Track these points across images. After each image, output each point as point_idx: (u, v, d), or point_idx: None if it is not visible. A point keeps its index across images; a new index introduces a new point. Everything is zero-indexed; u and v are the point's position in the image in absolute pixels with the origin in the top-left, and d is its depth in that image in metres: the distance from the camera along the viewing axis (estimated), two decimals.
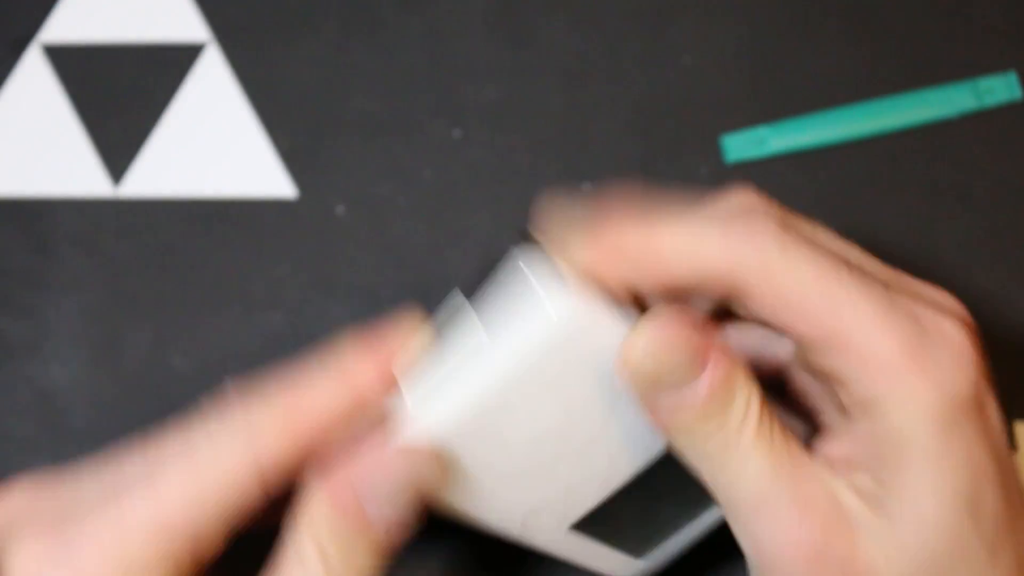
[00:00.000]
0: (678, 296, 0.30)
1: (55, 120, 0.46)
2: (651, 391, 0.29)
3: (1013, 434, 0.43)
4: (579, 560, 0.34)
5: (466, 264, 0.44)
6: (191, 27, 0.46)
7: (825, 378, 0.30)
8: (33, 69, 0.46)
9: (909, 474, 0.28)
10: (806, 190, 0.45)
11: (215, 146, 0.46)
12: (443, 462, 0.29)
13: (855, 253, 0.31)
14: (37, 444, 0.43)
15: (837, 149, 0.45)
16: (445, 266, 0.44)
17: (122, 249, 0.45)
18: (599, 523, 0.33)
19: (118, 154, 0.46)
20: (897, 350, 0.28)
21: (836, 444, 0.30)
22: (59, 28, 0.47)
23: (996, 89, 0.45)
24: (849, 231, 0.44)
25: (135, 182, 0.45)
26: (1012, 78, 0.45)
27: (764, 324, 0.30)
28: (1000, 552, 0.29)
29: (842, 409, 0.30)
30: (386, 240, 0.44)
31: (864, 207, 0.45)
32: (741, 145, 0.45)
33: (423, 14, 0.46)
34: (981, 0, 0.46)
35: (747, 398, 0.29)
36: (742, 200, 0.32)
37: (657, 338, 0.28)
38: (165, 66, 0.46)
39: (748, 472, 0.29)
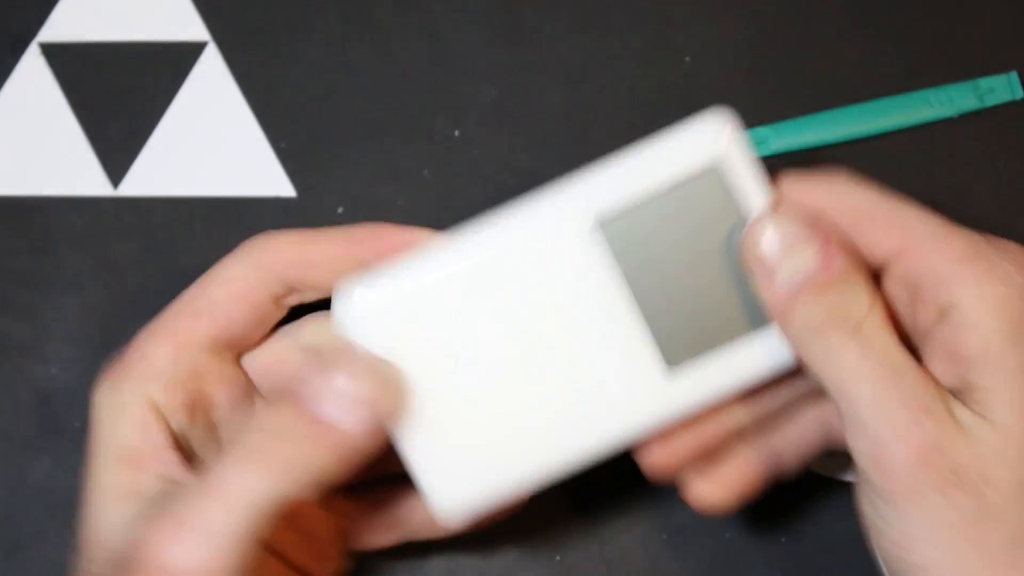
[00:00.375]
0: None
1: (54, 120, 0.46)
2: (773, 273, 0.31)
3: None
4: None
5: None
6: (190, 27, 0.46)
7: (904, 314, 0.32)
8: (32, 69, 0.46)
9: (995, 367, 0.30)
10: None
11: (214, 146, 0.46)
12: (388, 375, 0.32)
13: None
14: (37, 444, 0.43)
15: (837, 149, 0.45)
16: None
17: (122, 249, 0.45)
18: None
19: (117, 154, 0.46)
20: (963, 253, 0.31)
21: (932, 365, 0.31)
22: (58, 28, 0.47)
23: (996, 89, 0.45)
24: None
25: (134, 182, 0.45)
26: (1012, 78, 0.45)
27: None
28: None
29: (930, 335, 0.32)
30: None
31: None
32: None
33: (423, 14, 0.46)
34: (981, 0, 0.46)
35: (869, 295, 0.31)
36: None
37: (786, 222, 0.32)
38: (164, 66, 0.46)
39: (866, 370, 0.30)
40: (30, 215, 0.45)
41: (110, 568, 0.31)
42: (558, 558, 0.42)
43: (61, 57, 0.46)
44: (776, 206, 0.32)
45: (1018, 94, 0.45)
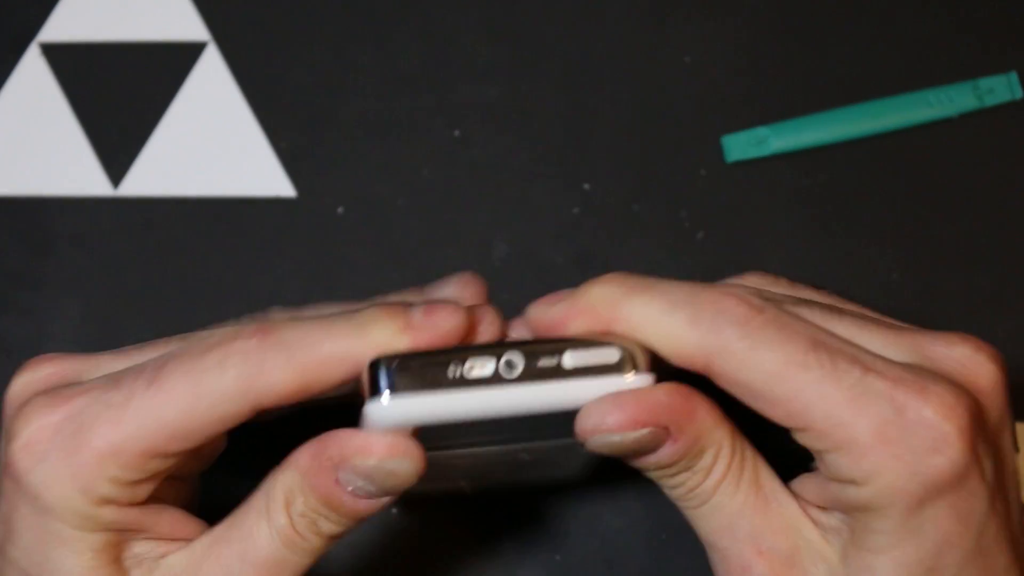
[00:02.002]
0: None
1: (54, 120, 0.46)
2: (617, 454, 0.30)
3: (1014, 434, 0.43)
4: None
5: (465, 264, 0.44)
6: (191, 27, 0.46)
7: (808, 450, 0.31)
8: (32, 68, 0.46)
9: (874, 540, 0.29)
10: (806, 190, 0.45)
11: (215, 146, 0.45)
12: (418, 455, 0.29)
13: (845, 323, 0.31)
14: None
15: (837, 149, 0.45)
16: (445, 266, 0.43)
17: (122, 249, 0.45)
18: None
19: (117, 154, 0.45)
20: (868, 437, 0.29)
21: (817, 485, 0.31)
22: (58, 27, 0.47)
23: (996, 89, 0.45)
24: (849, 231, 0.45)
25: (134, 182, 0.45)
26: (1012, 78, 0.45)
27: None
28: None
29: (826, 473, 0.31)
30: (386, 240, 0.44)
31: (864, 207, 0.45)
32: (741, 145, 0.45)
33: (423, 14, 0.46)
34: (981, 0, 0.46)
35: (715, 453, 0.30)
36: (742, 280, 0.34)
37: (606, 417, 0.29)
38: (164, 66, 0.46)
39: (714, 515, 0.30)
40: (30, 215, 0.45)
41: None
42: (558, 558, 0.42)
43: (61, 57, 0.46)
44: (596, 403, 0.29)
45: (1018, 94, 0.45)
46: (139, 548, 0.31)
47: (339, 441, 0.29)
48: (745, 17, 0.46)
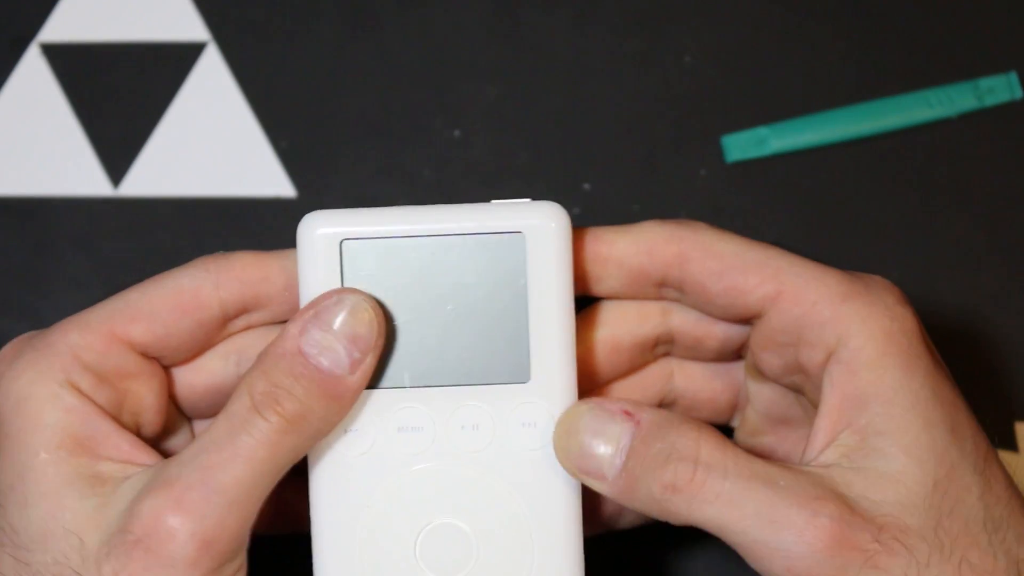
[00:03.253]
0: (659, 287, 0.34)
1: (54, 120, 0.46)
2: (600, 470, 0.31)
3: (1014, 434, 0.43)
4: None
5: None
6: (191, 27, 0.46)
7: (786, 352, 0.32)
8: (32, 69, 0.46)
9: (890, 405, 0.30)
10: (806, 190, 0.45)
11: (215, 146, 0.46)
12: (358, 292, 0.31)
13: None
14: None
15: (837, 149, 0.45)
16: None
17: (122, 249, 0.45)
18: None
19: (117, 154, 0.45)
20: (842, 292, 0.31)
21: (818, 431, 0.31)
22: (58, 28, 0.47)
23: (996, 89, 0.45)
24: (849, 231, 0.45)
25: (134, 182, 0.45)
26: (1012, 78, 0.45)
27: (716, 309, 0.33)
28: (992, 480, 0.30)
29: (804, 396, 0.32)
30: None
31: (864, 207, 0.45)
32: (741, 145, 0.45)
33: (423, 14, 0.46)
34: (981, 0, 0.46)
35: (692, 426, 0.30)
36: None
37: (586, 414, 0.31)
38: (164, 66, 0.46)
39: (736, 493, 0.29)
40: (30, 215, 0.45)
41: (83, 553, 0.30)
42: None
43: (61, 57, 0.46)
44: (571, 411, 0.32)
45: (1018, 94, 0.45)
46: (106, 467, 0.31)
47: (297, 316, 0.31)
48: (745, 17, 0.46)
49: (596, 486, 0.31)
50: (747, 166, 0.45)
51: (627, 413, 0.31)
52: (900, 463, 0.29)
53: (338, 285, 0.32)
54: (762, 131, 0.45)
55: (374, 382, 0.32)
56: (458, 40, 0.46)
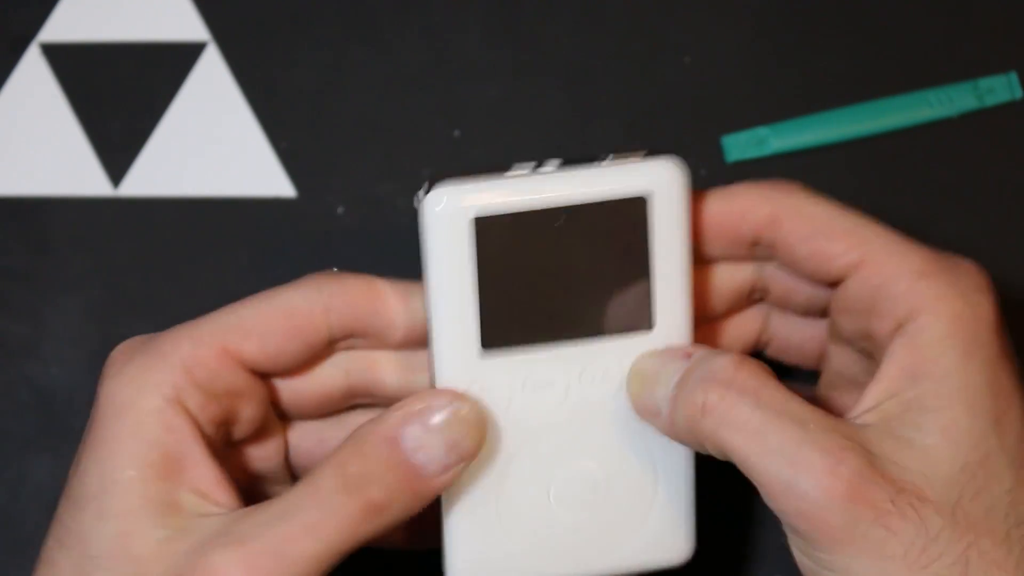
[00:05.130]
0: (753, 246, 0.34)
1: (54, 120, 0.46)
2: (656, 406, 0.32)
3: None
4: None
5: None
6: (191, 27, 0.46)
7: (860, 319, 0.32)
8: (32, 68, 0.46)
9: (940, 384, 0.30)
10: None
11: (215, 146, 0.46)
12: (475, 408, 0.32)
13: None
14: (37, 444, 0.43)
15: (837, 149, 0.45)
16: None
17: (122, 249, 0.45)
18: None
19: (117, 154, 0.46)
20: (922, 269, 0.31)
21: (868, 395, 0.31)
22: (58, 28, 0.47)
23: (996, 89, 0.45)
24: None
25: (134, 182, 0.45)
26: (1012, 78, 0.45)
27: (803, 271, 0.33)
28: None
29: (875, 362, 0.32)
30: (386, 240, 0.44)
31: (864, 207, 0.44)
32: (741, 145, 0.45)
33: (423, 14, 0.46)
34: (981, 0, 0.46)
35: (734, 356, 0.31)
36: None
37: (647, 361, 0.33)
38: (165, 66, 0.46)
39: (764, 424, 0.30)
40: (30, 215, 0.45)
41: None
42: None
43: (61, 57, 0.46)
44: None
45: (1018, 94, 0.45)
46: (186, 497, 0.31)
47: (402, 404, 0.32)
48: (745, 17, 0.46)
49: (654, 423, 0.32)
50: (747, 166, 0.45)
51: (686, 355, 0.32)
52: (934, 439, 0.29)
53: (468, 261, 0.32)
54: (762, 131, 0.45)
55: (509, 345, 0.33)
56: (458, 40, 0.46)
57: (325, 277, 0.34)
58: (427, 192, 0.32)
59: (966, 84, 0.45)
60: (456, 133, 0.45)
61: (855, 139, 0.45)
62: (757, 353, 0.38)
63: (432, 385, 0.33)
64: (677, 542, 0.36)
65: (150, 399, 0.31)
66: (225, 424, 0.33)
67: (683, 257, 0.33)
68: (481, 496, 0.34)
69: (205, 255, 0.44)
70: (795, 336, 0.37)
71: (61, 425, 0.43)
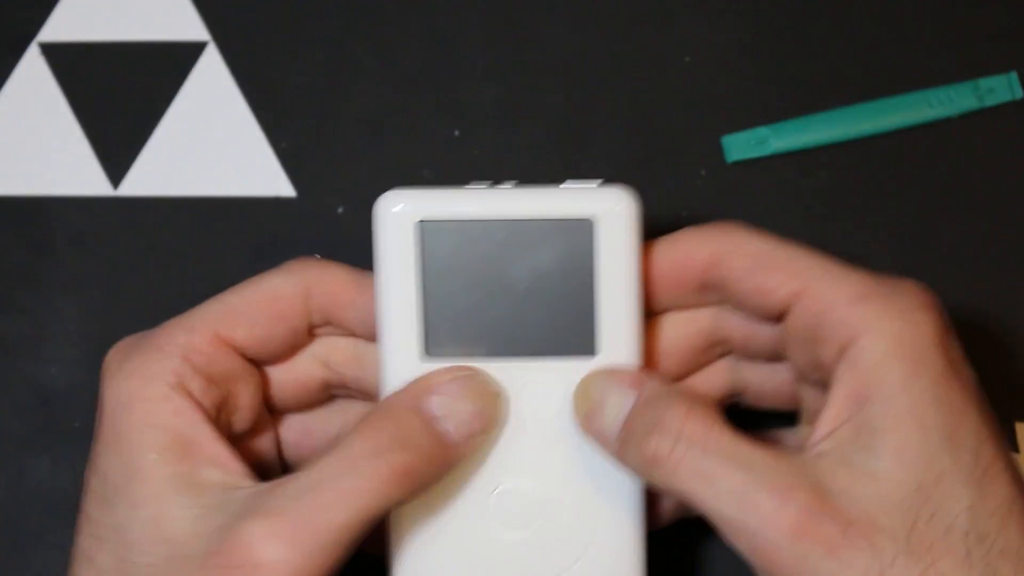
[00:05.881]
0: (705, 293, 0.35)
1: (54, 119, 0.46)
2: (603, 433, 0.33)
3: (1014, 434, 0.43)
4: None
5: None
6: (191, 27, 0.46)
7: (808, 350, 0.32)
8: (32, 68, 0.46)
9: (887, 405, 0.30)
10: (806, 190, 0.45)
11: (215, 146, 0.46)
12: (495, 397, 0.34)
13: None
14: (37, 444, 0.43)
15: (837, 149, 0.45)
16: None
17: (122, 249, 0.45)
18: None
19: (117, 154, 0.46)
20: (860, 292, 0.31)
21: (821, 422, 0.31)
22: (58, 28, 0.47)
23: (996, 89, 0.45)
24: (849, 231, 0.45)
25: (134, 182, 0.45)
26: (1012, 78, 0.45)
27: (749, 308, 0.34)
28: (988, 492, 0.30)
29: (832, 374, 0.32)
30: None
31: (864, 207, 0.45)
32: (741, 145, 0.45)
33: (423, 14, 0.46)
34: (981, 0, 0.46)
35: (684, 401, 0.31)
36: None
37: (597, 380, 0.34)
38: (165, 66, 0.46)
39: (713, 469, 0.30)
40: (30, 215, 0.45)
41: (179, 563, 0.30)
42: None
43: (61, 57, 0.46)
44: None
45: (1018, 94, 0.45)
46: (208, 474, 0.32)
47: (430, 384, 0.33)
48: (745, 17, 0.46)
49: (601, 448, 0.33)
50: (747, 166, 0.45)
51: (635, 383, 0.32)
52: (886, 462, 0.30)
53: (413, 264, 0.34)
54: (762, 131, 0.45)
55: (450, 354, 0.34)
56: (458, 40, 0.46)
57: (307, 263, 0.35)
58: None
59: (966, 84, 0.45)
60: (456, 133, 0.45)
61: (855, 139, 0.45)
62: (734, 404, 0.38)
63: (379, 385, 0.34)
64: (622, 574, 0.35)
65: (155, 388, 0.32)
66: (226, 410, 0.34)
67: (630, 284, 0.34)
68: (424, 511, 0.34)
69: (205, 255, 0.44)
70: (767, 383, 0.37)
71: (61, 425, 0.43)
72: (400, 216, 0.34)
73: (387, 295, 0.34)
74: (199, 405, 0.33)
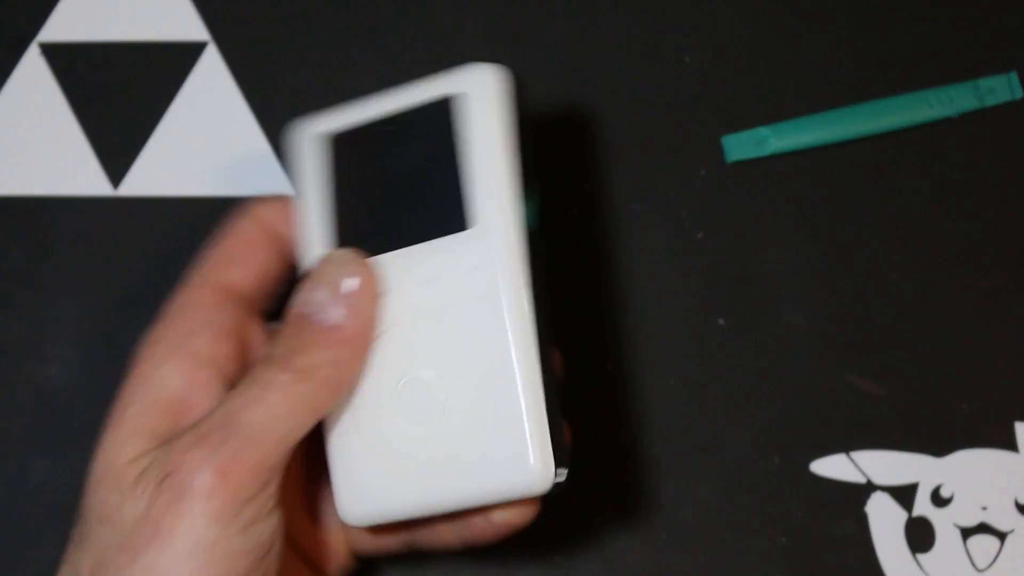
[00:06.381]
0: None
1: (54, 120, 0.46)
2: None
3: (1014, 434, 0.43)
4: None
5: None
6: (191, 27, 0.46)
7: None
8: (32, 68, 0.46)
9: None
10: (806, 190, 0.45)
11: (214, 146, 0.46)
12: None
13: None
14: (37, 444, 0.43)
15: (837, 149, 0.45)
16: None
17: (121, 249, 0.45)
18: None
19: (117, 154, 0.46)
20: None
21: None
22: (58, 27, 0.47)
23: (996, 89, 0.45)
24: (849, 231, 0.45)
25: (134, 182, 0.45)
26: (1012, 78, 0.45)
27: None
28: None
29: None
30: None
31: (864, 207, 0.45)
32: (741, 145, 0.45)
33: (423, 14, 0.46)
34: (981, 0, 0.46)
35: None
36: None
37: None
38: (164, 66, 0.46)
39: None
40: (30, 215, 0.45)
41: (122, 492, 0.32)
42: (558, 558, 0.42)
43: (61, 57, 0.46)
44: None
45: (1018, 94, 0.45)
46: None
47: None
48: (745, 17, 0.46)
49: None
50: (747, 166, 0.45)
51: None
52: None
53: (316, 175, 0.36)
54: (762, 131, 0.45)
55: (360, 251, 0.35)
56: (458, 40, 0.46)
57: (255, 205, 0.37)
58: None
59: (966, 84, 0.45)
60: None
61: (855, 139, 0.45)
62: None
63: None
64: (526, 464, 0.32)
65: (159, 349, 0.34)
66: (246, 359, 0.35)
67: (500, 156, 0.34)
68: (346, 416, 0.34)
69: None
70: None
71: (61, 425, 0.43)
72: (301, 137, 0.36)
73: (301, 205, 0.36)
74: (206, 364, 0.34)
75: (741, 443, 0.43)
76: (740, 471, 0.43)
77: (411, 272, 0.34)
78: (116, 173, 0.45)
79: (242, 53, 0.46)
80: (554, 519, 0.42)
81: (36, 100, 0.46)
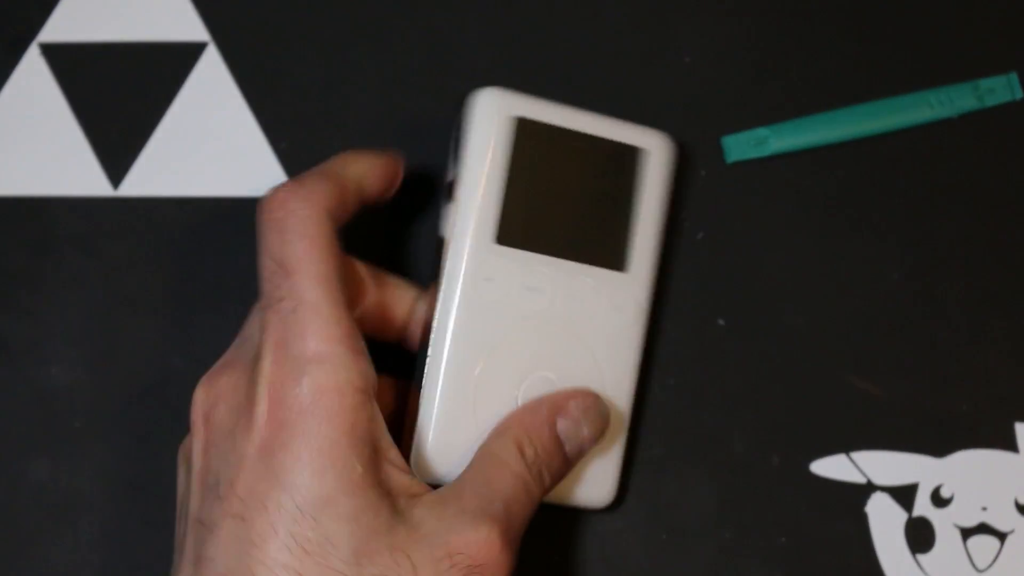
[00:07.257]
0: None
1: (54, 120, 0.46)
2: None
3: (1014, 434, 0.43)
4: None
5: None
6: (190, 27, 0.46)
7: None
8: (32, 69, 0.46)
9: None
10: (806, 190, 0.45)
11: (214, 146, 0.46)
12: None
13: None
14: (37, 444, 0.43)
15: (837, 149, 0.45)
16: None
17: (121, 249, 0.45)
18: None
19: (117, 154, 0.46)
20: None
21: None
22: (58, 28, 0.47)
23: (996, 89, 0.45)
24: (849, 231, 0.45)
25: (134, 182, 0.45)
26: (1012, 78, 0.45)
27: None
28: None
29: None
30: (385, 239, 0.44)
31: (864, 207, 0.45)
32: (741, 145, 0.45)
33: (423, 15, 0.46)
34: (981, 0, 0.46)
35: None
36: None
37: None
38: (164, 66, 0.46)
39: None
40: (30, 215, 0.45)
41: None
42: (558, 558, 0.42)
43: (61, 57, 0.46)
44: None
45: (1018, 94, 0.45)
46: (394, 477, 0.35)
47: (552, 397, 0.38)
48: (745, 17, 0.46)
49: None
50: (747, 166, 0.45)
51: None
52: None
53: (501, 156, 0.38)
54: (762, 131, 0.45)
55: (516, 245, 0.38)
56: (458, 40, 0.46)
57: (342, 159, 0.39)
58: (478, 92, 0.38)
59: (966, 84, 0.45)
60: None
61: (855, 139, 0.45)
62: None
63: (438, 268, 0.38)
64: (603, 486, 0.40)
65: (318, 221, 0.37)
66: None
67: (661, 217, 0.40)
68: (464, 375, 0.37)
69: (205, 255, 0.44)
70: None
71: (61, 425, 0.43)
72: (496, 110, 0.38)
73: (470, 181, 0.38)
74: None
75: (741, 443, 0.43)
76: (740, 471, 0.43)
77: (555, 281, 0.38)
78: (116, 173, 0.45)
79: (242, 53, 0.46)
80: (554, 519, 0.42)
81: (36, 100, 0.46)
